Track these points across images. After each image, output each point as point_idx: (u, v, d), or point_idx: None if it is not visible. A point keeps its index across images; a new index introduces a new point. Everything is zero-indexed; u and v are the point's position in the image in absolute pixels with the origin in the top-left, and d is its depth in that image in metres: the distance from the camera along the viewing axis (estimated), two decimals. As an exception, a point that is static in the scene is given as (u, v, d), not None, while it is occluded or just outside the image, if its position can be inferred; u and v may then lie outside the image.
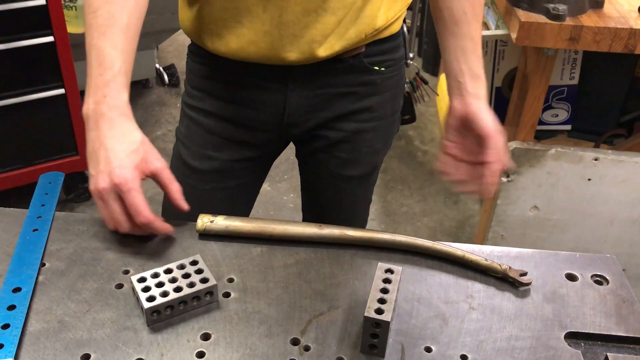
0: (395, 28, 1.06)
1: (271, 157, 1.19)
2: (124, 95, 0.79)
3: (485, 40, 1.69)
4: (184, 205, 0.83)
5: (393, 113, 1.14)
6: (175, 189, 0.83)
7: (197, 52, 1.06)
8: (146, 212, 0.78)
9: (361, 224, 1.30)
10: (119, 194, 0.77)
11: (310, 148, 1.14)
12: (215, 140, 1.09)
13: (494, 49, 1.70)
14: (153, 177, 0.81)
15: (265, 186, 2.60)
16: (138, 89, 3.22)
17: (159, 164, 0.81)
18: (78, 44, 2.28)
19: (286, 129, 1.08)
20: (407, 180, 2.71)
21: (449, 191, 2.62)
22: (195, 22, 1.00)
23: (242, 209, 1.20)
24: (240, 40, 0.96)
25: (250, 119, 1.06)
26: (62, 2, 2.04)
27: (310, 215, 1.29)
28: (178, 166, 1.13)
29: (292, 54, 0.96)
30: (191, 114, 1.09)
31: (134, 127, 0.80)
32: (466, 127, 1.00)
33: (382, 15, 1.00)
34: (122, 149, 0.77)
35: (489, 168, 0.95)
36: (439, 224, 2.47)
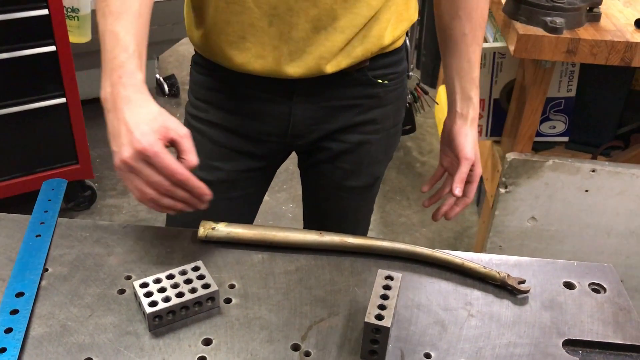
0: (399, 43, 1.07)
1: (275, 167, 1.19)
2: (139, 75, 0.78)
3: (484, 53, 1.71)
4: (195, 182, 0.77)
5: (395, 125, 1.15)
6: (193, 161, 0.77)
7: (202, 64, 1.07)
8: (181, 169, 0.73)
9: (362, 234, 1.31)
10: (146, 161, 0.73)
11: (314, 159, 1.15)
12: (220, 151, 1.09)
13: (492, 61, 1.72)
14: (174, 144, 0.77)
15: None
16: (138, 99, 3.23)
17: (182, 131, 0.77)
18: (80, 54, 2.30)
19: (290, 141, 1.09)
20: (405, 191, 2.72)
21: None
22: (201, 34, 1.01)
23: (246, 219, 1.21)
24: (245, 54, 0.96)
25: (255, 130, 1.07)
26: (65, 12, 2.06)
27: (311, 225, 1.30)
28: None
29: (299, 69, 0.96)
30: (196, 125, 1.10)
31: (150, 101, 0.77)
32: (451, 145, 1.08)
33: (389, 34, 1.01)
34: (141, 119, 0.74)
35: (452, 190, 1.04)
36: (437, 235, 2.48)
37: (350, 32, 0.95)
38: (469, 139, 1.07)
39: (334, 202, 1.20)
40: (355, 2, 0.93)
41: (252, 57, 0.96)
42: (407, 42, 1.17)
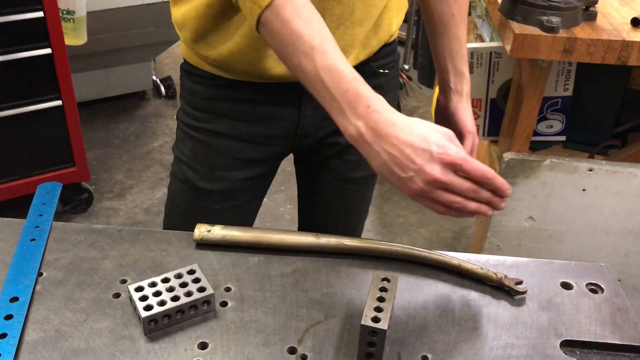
0: (397, 31, 1.10)
1: (276, 168, 1.19)
2: (381, 98, 0.75)
3: (480, 53, 1.71)
4: (508, 191, 0.74)
5: None
6: (491, 174, 0.72)
7: (198, 74, 1.03)
8: (488, 168, 0.71)
9: (361, 226, 1.31)
10: (455, 170, 0.70)
11: (320, 156, 1.14)
12: (224, 160, 1.07)
13: (488, 61, 1.71)
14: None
15: (261, 197, 2.60)
16: (134, 101, 3.23)
17: (450, 133, 0.73)
18: (75, 56, 2.30)
19: (297, 141, 1.08)
20: (403, 192, 2.71)
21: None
22: (223, 48, 0.97)
23: (248, 223, 1.21)
24: (267, 60, 0.95)
25: (262, 135, 1.06)
26: (60, 14, 2.05)
27: (308, 223, 1.29)
28: (184, 189, 1.11)
29: None
30: (197, 136, 1.07)
31: (408, 117, 0.74)
32: (448, 122, 1.06)
33: (395, 22, 1.04)
34: (425, 134, 0.70)
35: None
36: (435, 235, 2.48)
37: (368, 24, 0.96)
38: (468, 113, 1.06)
39: (341, 195, 1.19)
40: None
41: (275, 61, 0.94)
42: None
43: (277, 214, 2.52)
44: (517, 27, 1.48)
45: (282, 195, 2.62)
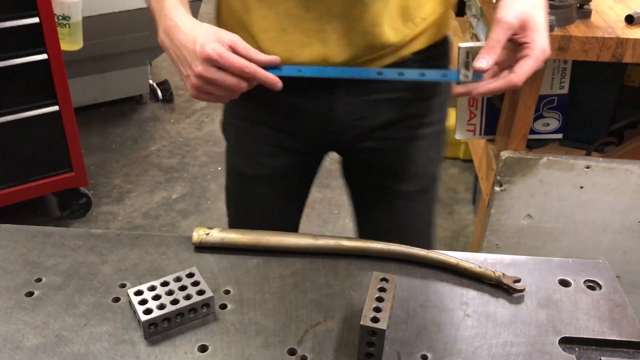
0: (444, 30, 1.03)
1: (317, 163, 1.18)
2: (180, 8, 0.84)
3: (475, 52, 1.71)
4: (275, 58, 0.83)
5: (441, 120, 1.11)
6: (258, 56, 0.82)
7: None
8: (247, 63, 0.79)
9: (426, 247, 1.14)
10: (216, 66, 0.79)
11: (358, 160, 1.12)
12: (264, 148, 1.09)
13: (484, 59, 1.72)
14: (232, 50, 0.81)
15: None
16: (132, 105, 3.23)
17: (233, 37, 0.81)
18: (72, 61, 2.30)
19: (332, 137, 1.06)
20: (401, 192, 2.72)
21: (443, 201, 2.63)
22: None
23: (290, 215, 1.21)
24: (288, 47, 0.94)
25: (296, 126, 1.05)
26: (56, 20, 2.06)
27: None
28: (232, 172, 1.17)
29: (348, 50, 0.93)
30: (238, 123, 1.11)
31: (198, 22, 0.83)
32: (511, 39, 0.85)
33: (429, 5, 0.96)
34: (198, 35, 0.79)
35: (524, 57, 0.82)
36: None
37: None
38: (516, 5, 0.83)
39: (388, 211, 1.13)
40: None
41: (297, 47, 0.94)
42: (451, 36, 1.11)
43: (275, 216, 2.53)
44: (512, 26, 1.48)
45: (280, 197, 2.63)
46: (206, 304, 0.76)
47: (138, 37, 2.75)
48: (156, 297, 0.75)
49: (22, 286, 0.80)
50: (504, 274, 0.83)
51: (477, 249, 1.83)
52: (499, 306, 0.80)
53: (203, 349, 0.72)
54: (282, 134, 1.07)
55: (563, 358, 0.73)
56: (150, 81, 3.24)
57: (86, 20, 2.25)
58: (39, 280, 0.81)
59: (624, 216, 1.66)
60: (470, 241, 2.25)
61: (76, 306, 0.77)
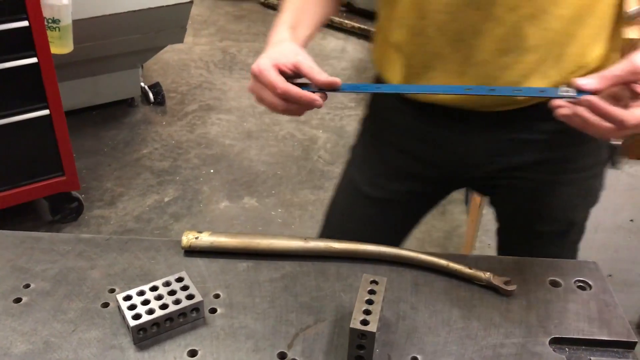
0: (608, 63, 0.90)
1: (440, 195, 1.13)
2: (283, 32, 0.88)
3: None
4: (335, 80, 0.82)
5: (594, 165, 1.03)
6: (319, 76, 0.82)
7: (377, 77, 1.04)
8: (280, 83, 0.80)
9: None
10: (258, 80, 0.82)
11: (497, 198, 1.08)
12: (389, 170, 1.07)
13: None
14: (295, 69, 0.82)
15: (252, 202, 2.60)
16: (123, 108, 3.21)
17: (300, 57, 0.82)
18: (62, 65, 2.28)
19: (463, 170, 1.02)
20: (394, 193, 2.72)
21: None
22: (394, 67, 0.97)
23: (397, 240, 1.16)
24: (432, 84, 0.92)
25: (429, 154, 1.02)
26: (45, 23, 2.04)
27: None
28: (347, 187, 1.14)
29: (488, 99, 0.89)
30: (368, 139, 1.09)
31: (285, 42, 0.86)
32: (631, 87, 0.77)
33: (592, 52, 0.89)
34: (266, 52, 0.84)
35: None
36: (427, 235, 2.48)
37: (544, 51, 0.86)
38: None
39: (525, 246, 1.08)
40: (544, 15, 0.83)
41: (433, 82, 0.92)
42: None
43: (268, 217, 2.52)
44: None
45: (273, 199, 2.62)
46: (195, 308, 0.75)
47: (129, 39, 2.74)
48: (145, 302, 0.74)
49: (10, 292, 0.79)
50: (494, 275, 0.83)
51: (470, 249, 1.83)
52: (489, 307, 0.80)
53: (192, 353, 0.72)
54: (413, 160, 1.03)
55: (553, 358, 0.73)
56: (142, 84, 3.23)
57: (76, 23, 2.24)
58: (27, 286, 0.80)
59: (615, 215, 1.66)
60: (463, 241, 2.26)
61: (65, 312, 0.76)
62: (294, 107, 0.82)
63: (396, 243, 1.14)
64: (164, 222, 2.47)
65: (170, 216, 2.50)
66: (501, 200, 1.08)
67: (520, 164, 0.98)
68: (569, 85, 0.77)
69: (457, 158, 1.00)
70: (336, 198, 1.18)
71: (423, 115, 0.99)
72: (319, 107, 0.82)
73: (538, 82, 0.89)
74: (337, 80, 0.82)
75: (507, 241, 1.15)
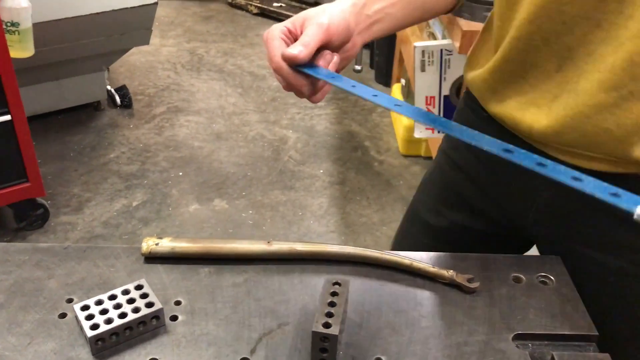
0: None
1: (497, 244, 0.99)
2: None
3: (431, 50, 1.72)
4: (291, 54, 0.69)
5: None
6: (289, 52, 0.69)
7: (474, 98, 0.93)
8: (274, 58, 0.70)
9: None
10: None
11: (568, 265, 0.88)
12: (450, 195, 1.00)
13: (439, 58, 1.73)
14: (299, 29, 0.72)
15: (222, 204, 2.58)
16: (89, 112, 3.17)
17: (304, 38, 0.70)
18: (23, 69, 2.24)
19: (530, 226, 0.91)
20: (365, 191, 2.72)
21: (406, 199, 2.64)
22: (479, 77, 0.87)
23: None
24: (521, 99, 0.79)
25: (495, 191, 0.93)
26: (4, 27, 2.00)
27: None
28: (410, 210, 1.10)
29: (582, 139, 0.74)
30: (441, 159, 1.02)
31: (326, 7, 0.73)
32: None
33: None
34: (297, 16, 0.74)
35: None
36: (398, 233, 2.49)
37: None
38: None
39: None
40: None
41: (525, 102, 0.79)
42: None
43: (239, 220, 2.50)
44: (465, 24, 1.50)
45: (243, 201, 2.60)
46: (156, 316, 0.74)
47: (93, 42, 2.70)
48: (103, 312, 0.73)
49: (-37, 306, 0.77)
50: (457, 273, 0.83)
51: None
52: (452, 305, 0.80)
53: (153, 362, 0.70)
54: (477, 190, 0.95)
55: (516, 355, 0.74)
56: (108, 87, 3.19)
57: (37, 26, 2.19)
58: (-19, 298, 0.78)
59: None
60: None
61: (20, 324, 0.74)
62: (294, 89, 0.72)
63: None
64: (132, 226, 2.43)
65: (139, 221, 2.47)
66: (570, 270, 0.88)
67: (587, 240, 0.84)
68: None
69: (521, 208, 0.89)
70: (400, 224, 1.14)
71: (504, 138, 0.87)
72: (307, 94, 0.72)
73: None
74: (295, 54, 0.68)
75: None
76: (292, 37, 0.72)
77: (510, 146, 0.59)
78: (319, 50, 0.72)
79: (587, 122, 0.73)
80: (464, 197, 0.98)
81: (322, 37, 0.70)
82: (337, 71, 0.73)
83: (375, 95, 0.68)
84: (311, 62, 0.71)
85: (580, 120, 0.73)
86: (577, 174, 0.54)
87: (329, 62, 0.72)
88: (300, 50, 0.69)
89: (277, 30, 0.72)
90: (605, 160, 0.76)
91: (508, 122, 0.84)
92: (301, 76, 0.70)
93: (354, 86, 0.69)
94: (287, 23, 0.73)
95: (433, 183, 1.06)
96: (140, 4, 2.64)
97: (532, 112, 0.79)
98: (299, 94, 0.73)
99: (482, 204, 0.97)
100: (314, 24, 0.71)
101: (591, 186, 0.53)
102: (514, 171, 0.75)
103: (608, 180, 0.53)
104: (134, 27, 2.75)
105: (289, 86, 0.72)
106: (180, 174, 2.76)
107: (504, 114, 0.84)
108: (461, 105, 1.01)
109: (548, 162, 0.56)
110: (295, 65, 0.70)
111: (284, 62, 0.70)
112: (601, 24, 0.69)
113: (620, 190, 0.52)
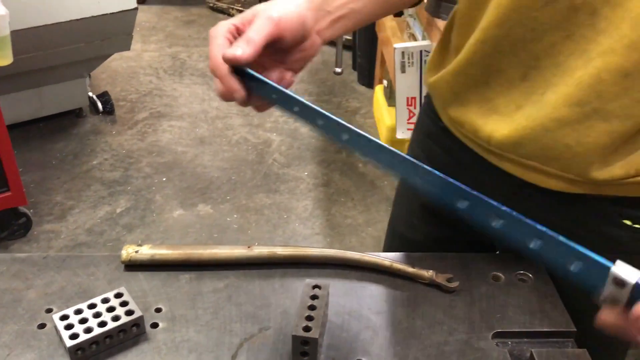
0: None
1: (482, 250, 0.95)
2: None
3: (410, 52, 1.73)
4: (228, 54, 0.63)
5: None
6: (229, 52, 0.62)
7: (433, 108, 0.91)
8: (215, 57, 0.63)
9: None
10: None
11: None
12: (420, 209, 0.97)
13: (419, 59, 1.74)
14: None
15: (207, 209, 2.57)
16: (71, 119, 3.14)
17: (249, 34, 0.63)
18: (3, 77, 2.22)
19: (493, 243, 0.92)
20: (349, 192, 2.73)
21: (390, 199, 2.65)
22: (442, 79, 0.84)
23: None
24: (483, 105, 0.77)
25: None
26: (-19, 35, 1.98)
27: None
28: (390, 225, 1.08)
29: (544, 153, 0.72)
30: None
31: (281, 0, 0.66)
32: None
33: None
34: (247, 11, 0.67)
35: None
36: (384, 233, 2.49)
37: (630, 124, 0.67)
38: None
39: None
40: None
41: (488, 110, 0.77)
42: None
43: (224, 224, 2.50)
44: (443, 25, 1.50)
45: (228, 205, 2.60)
46: (136, 324, 0.74)
47: (73, 49, 2.67)
48: (83, 321, 0.72)
49: (-59, 319, 0.76)
50: (437, 273, 0.83)
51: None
52: (432, 305, 0.81)
53: (134, 371, 0.70)
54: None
55: (496, 353, 0.74)
56: (90, 93, 3.17)
57: (15, 33, 2.17)
58: (-41, 311, 0.77)
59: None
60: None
61: (-2, 336, 0.74)
62: (225, 94, 0.65)
63: None
64: (116, 233, 2.42)
65: (123, 227, 2.45)
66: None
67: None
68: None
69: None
70: (384, 239, 1.14)
71: (467, 160, 0.83)
72: (239, 101, 0.65)
73: (618, 168, 0.71)
74: (236, 55, 0.62)
75: None
76: (240, 36, 0.65)
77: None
78: (274, 58, 0.66)
79: (547, 135, 0.71)
80: (434, 210, 0.94)
81: (270, 31, 0.63)
82: (295, 72, 0.69)
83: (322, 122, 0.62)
84: (260, 71, 0.65)
85: (541, 132, 0.72)
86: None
87: (281, 79, 0.66)
88: (243, 49, 0.62)
89: (223, 27, 0.65)
90: (562, 179, 0.75)
91: (468, 128, 0.82)
92: (235, 80, 0.63)
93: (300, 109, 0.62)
94: (235, 19, 0.66)
95: (403, 196, 1.05)
96: (120, 9, 2.63)
97: (494, 119, 0.77)
98: (229, 98, 0.65)
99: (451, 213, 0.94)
100: (261, 18, 0.64)
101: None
102: (477, 179, 0.75)
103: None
104: (114, 33, 2.74)
105: (224, 91, 0.65)
106: (164, 179, 2.75)
107: (464, 120, 0.82)
108: (420, 115, 0.99)
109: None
110: (238, 66, 0.63)
111: (225, 64, 0.63)
112: (572, 35, 0.67)
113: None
